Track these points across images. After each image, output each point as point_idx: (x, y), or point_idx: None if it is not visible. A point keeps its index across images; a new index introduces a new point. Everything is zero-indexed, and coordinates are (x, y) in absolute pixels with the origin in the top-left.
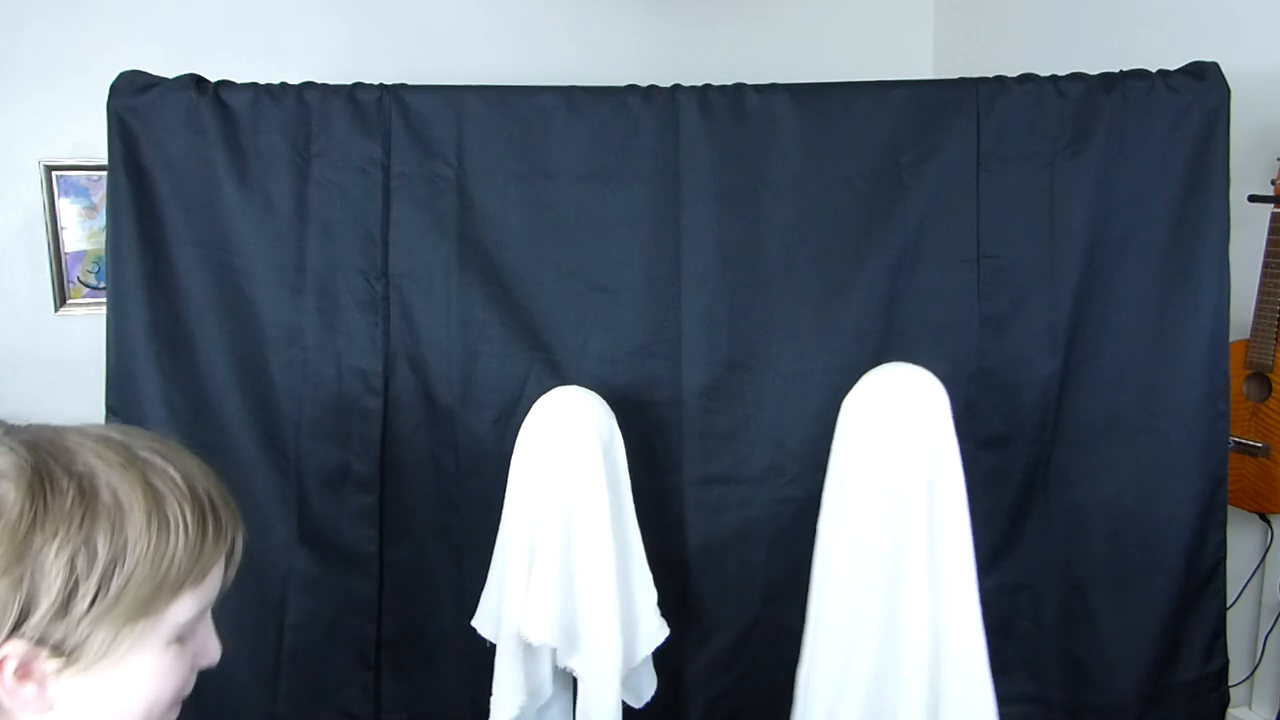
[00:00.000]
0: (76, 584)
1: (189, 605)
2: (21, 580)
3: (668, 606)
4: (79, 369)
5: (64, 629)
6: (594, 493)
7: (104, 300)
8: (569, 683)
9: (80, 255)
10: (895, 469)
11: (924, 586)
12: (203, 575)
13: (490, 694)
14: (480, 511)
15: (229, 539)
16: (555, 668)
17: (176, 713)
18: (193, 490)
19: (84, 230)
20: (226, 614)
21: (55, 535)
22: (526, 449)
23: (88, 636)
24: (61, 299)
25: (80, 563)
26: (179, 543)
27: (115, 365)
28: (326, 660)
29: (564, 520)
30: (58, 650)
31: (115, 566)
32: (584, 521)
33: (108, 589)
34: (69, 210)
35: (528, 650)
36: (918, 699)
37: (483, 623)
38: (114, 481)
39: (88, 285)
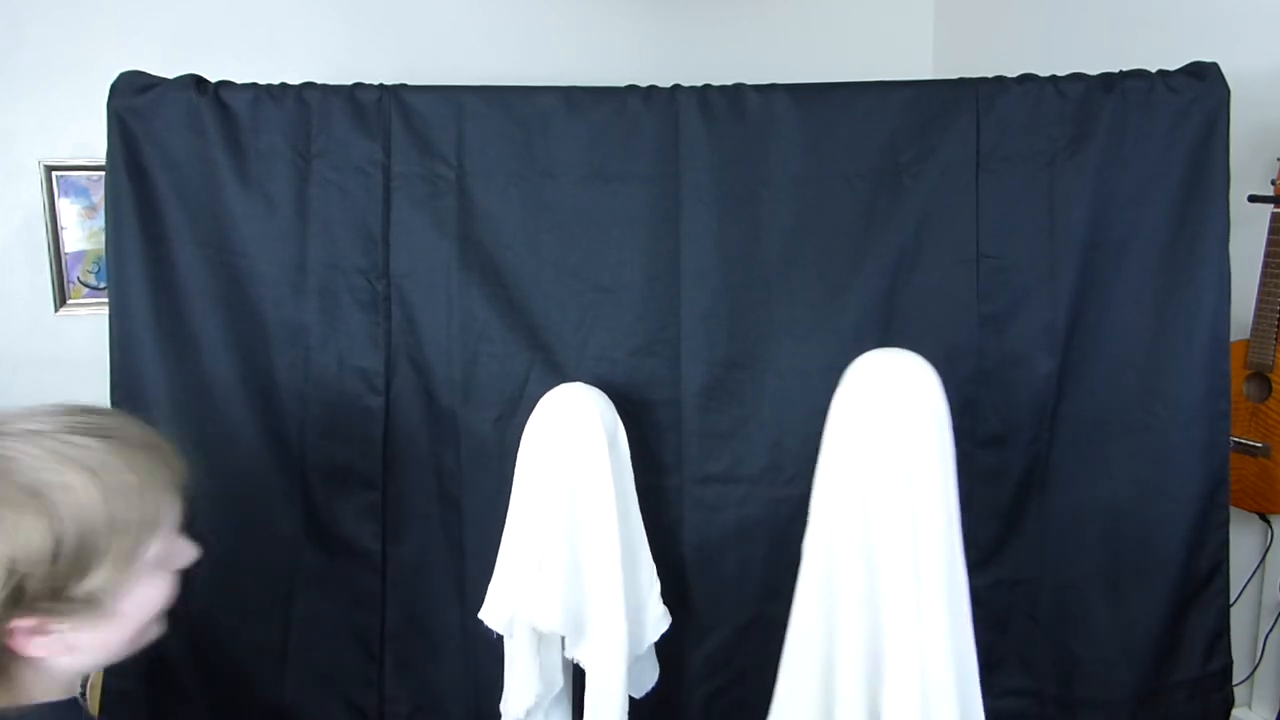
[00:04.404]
0: (56, 570)
1: (155, 545)
2: (10, 575)
3: (667, 603)
4: (79, 369)
5: (62, 603)
6: (600, 484)
7: (104, 300)
8: (569, 679)
9: (80, 255)
10: (895, 457)
11: (911, 580)
12: (158, 521)
13: (491, 687)
14: (481, 509)
15: (171, 483)
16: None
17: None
18: (127, 460)
19: (84, 230)
20: (235, 607)
21: (20, 539)
22: (533, 443)
23: (81, 602)
24: (61, 299)
25: (52, 552)
26: (128, 509)
27: (120, 364)
28: (332, 653)
29: (570, 511)
30: (61, 616)
31: (81, 547)
32: (590, 512)
33: (85, 565)
34: (69, 210)
35: (540, 641)
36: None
37: (490, 614)
38: (58, 480)
39: (88, 285)
